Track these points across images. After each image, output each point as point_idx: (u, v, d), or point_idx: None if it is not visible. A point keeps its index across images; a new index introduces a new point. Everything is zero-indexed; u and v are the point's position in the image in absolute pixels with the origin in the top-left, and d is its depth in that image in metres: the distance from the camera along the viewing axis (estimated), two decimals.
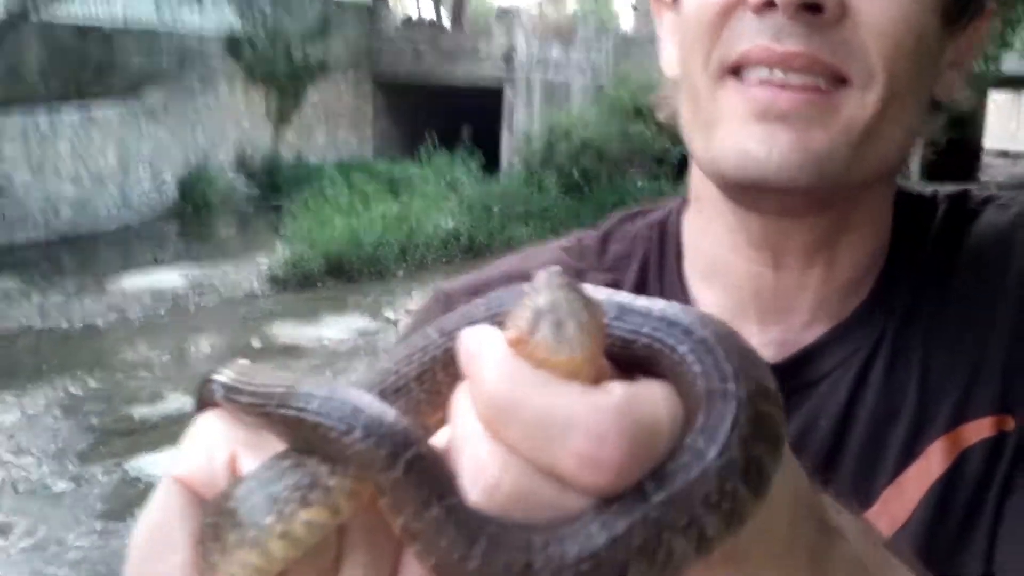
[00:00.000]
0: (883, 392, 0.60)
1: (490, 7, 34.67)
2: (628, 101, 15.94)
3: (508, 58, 19.22)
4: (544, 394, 0.27)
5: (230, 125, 18.04)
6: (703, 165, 0.59)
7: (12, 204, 12.08)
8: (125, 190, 14.38)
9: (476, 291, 0.64)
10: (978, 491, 0.57)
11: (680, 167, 16.30)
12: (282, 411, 0.31)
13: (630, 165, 15.95)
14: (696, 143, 0.59)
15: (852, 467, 0.58)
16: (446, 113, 19.29)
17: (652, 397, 0.28)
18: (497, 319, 0.31)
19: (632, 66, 19.14)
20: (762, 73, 0.54)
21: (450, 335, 0.31)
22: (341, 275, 11.29)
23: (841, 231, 0.60)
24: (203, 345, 8.62)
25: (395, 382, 0.33)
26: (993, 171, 25.74)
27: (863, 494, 0.49)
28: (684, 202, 0.69)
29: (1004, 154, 30.07)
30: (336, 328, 9.32)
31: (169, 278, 10.65)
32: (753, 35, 0.54)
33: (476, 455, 0.29)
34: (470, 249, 12.99)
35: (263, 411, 0.32)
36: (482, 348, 0.29)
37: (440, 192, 14.41)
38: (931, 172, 19.92)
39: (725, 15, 0.55)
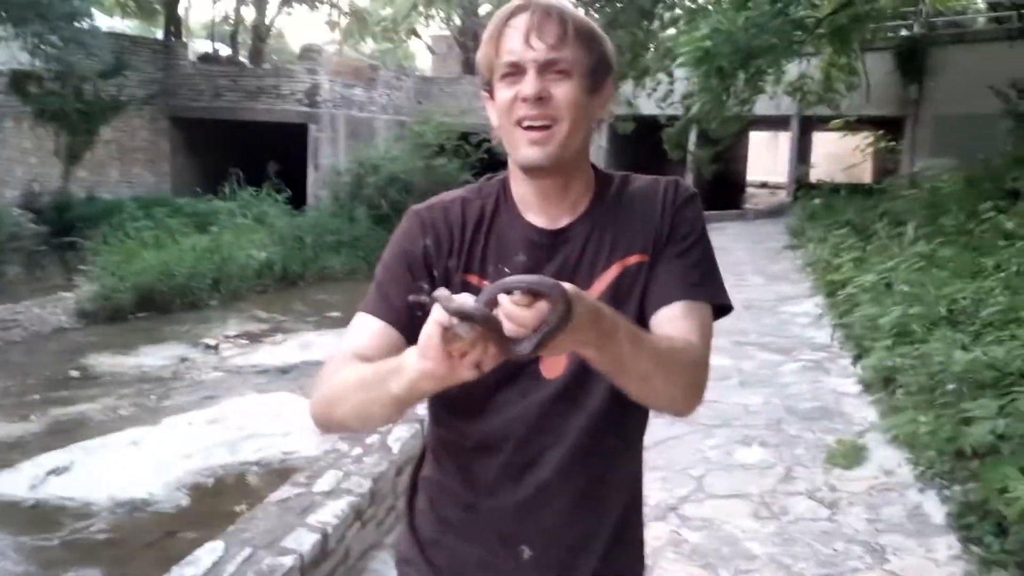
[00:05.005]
0: (593, 248, 1.28)
1: (286, 46, 34.72)
2: (431, 137, 16.82)
3: (312, 96, 19.55)
4: (517, 314, 0.95)
5: (16, 163, 17.25)
6: (514, 161, 1.31)
7: None
8: None
9: (431, 208, 1.36)
10: (630, 288, 1.26)
11: None
12: (457, 311, 0.95)
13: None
14: (510, 152, 1.30)
15: (583, 277, 1.28)
16: (249, 150, 19.27)
17: (542, 306, 0.96)
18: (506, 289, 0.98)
19: (432, 105, 20.10)
20: (527, 123, 1.25)
21: (494, 294, 0.98)
22: (153, 307, 11.28)
23: (568, 181, 1.31)
24: (19, 377, 8.48)
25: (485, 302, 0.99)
26: (755, 200, 28.80)
27: (586, 289, 1.20)
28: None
29: (764, 185, 33.73)
30: (155, 356, 9.40)
31: None
32: (522, 110, 1.24)
33: (508, 325, 0.97)
34: (284, 278, 13.28)
35: (456, 312, 0.95)
36: (508, 309, 0.96)
37: (249, 226, 14.58)
38: (702, 202, 22.10)
39: (513, 103, 1.25)
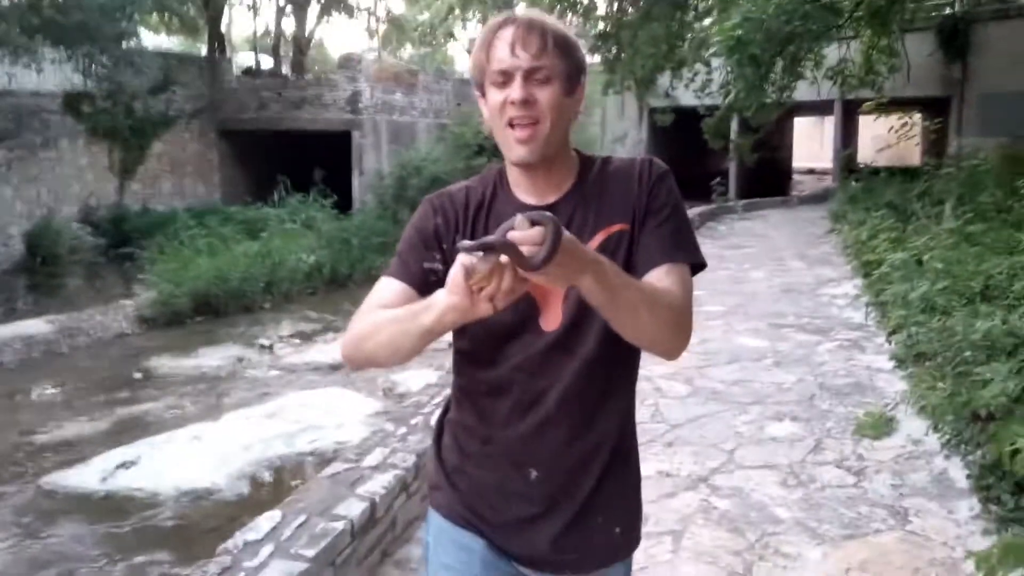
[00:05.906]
0: (579, 220, 1.48)
1: (327, 55, 35.30)
2: (471, 138, 17.11)
3: (354, 103, 19.95)
4: (524, 235, 1.19)
5: (73, 180, 17.93)
6: (506, 157, 1.55)
7: None
8: None
9: (441, 195, 1.63)
10: (614, 253, 1.44)
11: None
12: (473, 247, 1.20)
13: None
14: (503, 150, 1.54)
15: None
16: (295, 158, 19.75)
17: (540, 228, 1.19)
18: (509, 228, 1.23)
19: (471, 106, 20.37)
20: (516, 122, 1.50)
21: (505, 230, 1.24)
22: (209, 311, 11.71)
23: (552, 167, 1.54)
24: (84, 380, 8.92)
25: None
26: (801, 187, 28.60)
27: None
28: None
29: (811, 171, 33.47)
30: (213, 357, 9.79)
31: (35, 325, 10.73)
32: (511, 111, 1.47)
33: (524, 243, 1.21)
34: (333, 279, 13.65)
35: (479, 246, 1.21)
36: (516, 235, 1.19)
37: (298, 231, 14.99)
38: (747, 191, 22.05)
39: (503, 105, 1.49)
